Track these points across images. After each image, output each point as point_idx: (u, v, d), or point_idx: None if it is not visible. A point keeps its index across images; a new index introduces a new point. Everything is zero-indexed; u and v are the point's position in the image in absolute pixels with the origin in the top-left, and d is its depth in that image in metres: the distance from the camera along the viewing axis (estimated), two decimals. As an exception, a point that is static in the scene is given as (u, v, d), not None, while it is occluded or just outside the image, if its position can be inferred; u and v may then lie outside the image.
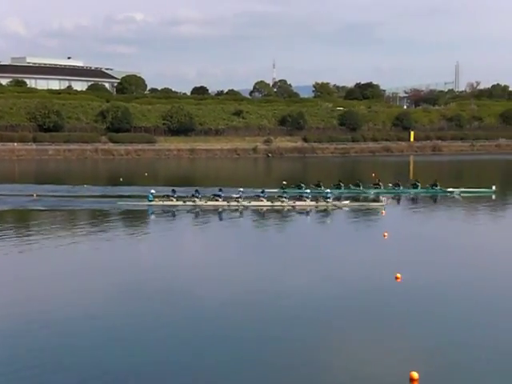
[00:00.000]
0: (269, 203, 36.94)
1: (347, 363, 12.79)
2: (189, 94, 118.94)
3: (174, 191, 37.57)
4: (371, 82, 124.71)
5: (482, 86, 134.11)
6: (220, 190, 37.86)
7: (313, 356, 13.08)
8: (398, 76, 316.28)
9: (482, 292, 17.81)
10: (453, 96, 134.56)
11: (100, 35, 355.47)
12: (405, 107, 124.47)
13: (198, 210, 35.70)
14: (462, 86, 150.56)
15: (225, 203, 36.60)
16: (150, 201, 36.48)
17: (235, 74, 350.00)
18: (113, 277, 19.88)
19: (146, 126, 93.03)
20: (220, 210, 35.89)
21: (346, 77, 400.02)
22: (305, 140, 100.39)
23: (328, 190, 38.85)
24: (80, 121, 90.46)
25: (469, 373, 12.20)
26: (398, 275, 19.08)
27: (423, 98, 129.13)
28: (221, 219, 33.83)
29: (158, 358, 12.82)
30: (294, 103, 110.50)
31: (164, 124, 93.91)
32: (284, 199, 37.30)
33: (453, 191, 43.81)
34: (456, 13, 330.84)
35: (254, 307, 16.55)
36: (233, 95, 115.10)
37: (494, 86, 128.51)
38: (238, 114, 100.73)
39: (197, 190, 37.66)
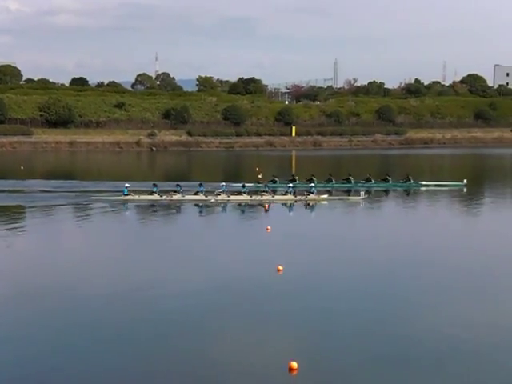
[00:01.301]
0: (248, 197, 36.75)
1: (226, 355, 12.79)
2: (67, 85, 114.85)
3: (155, 185, 37.16)
4: (254, 77, 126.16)
5: (359, 83, 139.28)
6: (200, 185, 37.49)
7: (192, 349, 12.98)
8: (279, 71, 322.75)
9: (360, 284, 18.37)
10: (332, 92, 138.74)
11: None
12: (286, 102, 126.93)
13: (178, 204, 35.33)
14: (340, 83, 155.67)
15: (204, 197, 36.45)
16: (126, 195, 36.00)
17: (116, 66, 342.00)
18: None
19: (21, 117, 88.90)
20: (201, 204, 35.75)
21: (230, 71, 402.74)
22: (189, 134, 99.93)
23: (312, 185, 38.88)
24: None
25: (346, 360, 12.53)
26: (280, 267, 19.36)
27: (304, 94, 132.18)
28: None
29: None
30: (178, 96, 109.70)
31: (41, 116, 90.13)
32: (265, 193, 37.41)
33: (427, 184, 44.34)
34: (334, 11, 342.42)
35: (133, 305, 16.22)
36: (114, 87, 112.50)
37: (370, 83, 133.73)
38: (119, 106, 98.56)
39: (178, 185, 37.33)
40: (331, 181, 44.05)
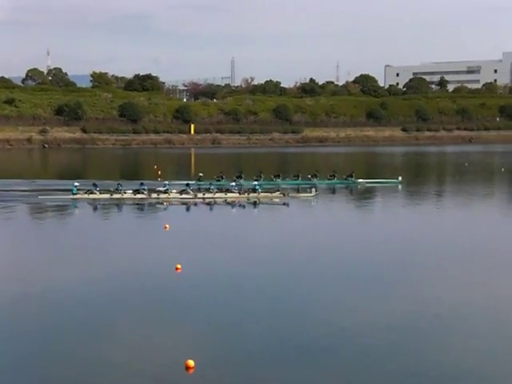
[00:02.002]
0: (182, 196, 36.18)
1: (121, 355, 12.47)
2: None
3: (95, 185, 36.38)
4: (150, 74, 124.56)
5: (256, 82, 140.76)
6: (142, 184, 36.81)
7: (86, 349, 12.57)
8: (177, 69, 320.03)
9: (260, 282, 18.44)
10: (229, 90, 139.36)
11: None
12: (184, 100, 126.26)
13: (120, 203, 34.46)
14: (237, 81, 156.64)
15: (147, 196, 35.86)
16: (74, 194, 35.43)
17: (5, 61, 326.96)
18: None
19: None
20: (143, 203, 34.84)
21: (126, 68, 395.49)
22: (84, 131, 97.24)
23: (255, 183, 38.11)
24: None
25: (243, 358, 12.51)
26: (178, 266, 19.13)
27: (202, 92, 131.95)
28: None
29: None
30: (71, 93, 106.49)
31: None
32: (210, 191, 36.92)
33: (362, 182, 44.30)
34: (231, 8, 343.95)
35: (22, 305, 15.53)
36: (3, 82, 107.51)
37: (267, 82, 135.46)
38: (9, 102, 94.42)
39: (119, 184, 36.65)
40: (279, 178, 43.98)
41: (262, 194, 37.00)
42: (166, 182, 37.22)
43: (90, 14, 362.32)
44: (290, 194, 37.45)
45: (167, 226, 26.46)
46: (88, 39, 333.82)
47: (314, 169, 47.17)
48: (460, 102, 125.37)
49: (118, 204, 34.56)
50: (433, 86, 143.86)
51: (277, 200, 36.15)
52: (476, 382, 11.50)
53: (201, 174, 43.17)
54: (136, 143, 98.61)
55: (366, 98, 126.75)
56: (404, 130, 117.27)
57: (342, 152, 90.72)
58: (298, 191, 40.00)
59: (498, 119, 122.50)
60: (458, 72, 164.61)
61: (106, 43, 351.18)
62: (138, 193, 36.13)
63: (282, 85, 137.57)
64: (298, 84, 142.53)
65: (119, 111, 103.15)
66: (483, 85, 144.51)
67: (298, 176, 44.67)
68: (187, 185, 37.36)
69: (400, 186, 43.14)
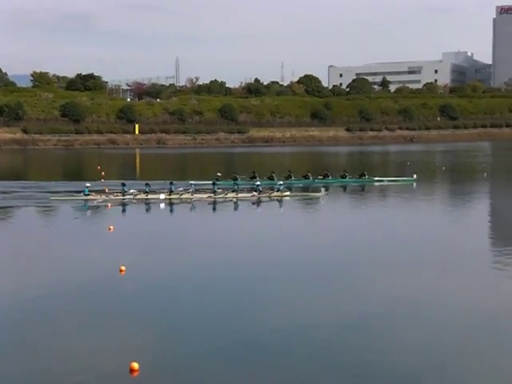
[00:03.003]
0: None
1: (64, 358, 12.11)
2: None
3: (123, 184, 35.85)
4: (93, 74, 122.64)
5: (201, 82, 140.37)
6: (172, 183, 36.19)
7: (27, 354, 12.16)
8: (120, 68, 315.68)
9: (204, 283, 18.27)
10: (174, 90, 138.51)
11: None
12: (128, 100, 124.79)
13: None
14: (182, 81, 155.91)
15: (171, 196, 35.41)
16: (86, 195, 34.94)
17: None
18: None
19: None
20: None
21: (68, 67, 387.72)
22: (25, 131, 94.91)
23: (258, 183, 37.74)
24: None
25: (188, 359, 12.34)
26: (123, 268, 18.77)
27: (146, 92, 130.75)
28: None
29: None
30: (11, 93, 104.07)
31: None
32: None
33: (381, 180, 44.79)
34: (175, 8, 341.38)
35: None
36: None
37: (212, 82, 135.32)
38: None
39: (147, 184, 36.01)
40: (290, 177, 43.89)
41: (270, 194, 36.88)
42: (192, 183, 36.88)
43: (32, 12, 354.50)
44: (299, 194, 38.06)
45: (111, 227, 25.94)
46: (29, 38, 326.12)
47: (261, 168, 47.23)
48: (402, 102, 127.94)
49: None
50: (375, 87, 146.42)
51: (287, 198, 36.31)
52: (421, 376, 11.64)
53: (219, 174, 42.83)
54: (79, 144, 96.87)
55: (311, 99, 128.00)
56: (348, 129, 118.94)
57: (288, 152, 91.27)
58: (307, 191, 40.10)
59: (438, 119, 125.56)
60: (399, 72, 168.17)
61: (48, 43, 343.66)
62: (162, 193, 35.73)
63: (227, 85, 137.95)
64: (243, 84, 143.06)
65: (61, 111, 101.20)
66: (424, 85, 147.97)
67: (306, 176, 44.85)
68: (213, 184, 37.27)
69: (415, 184, 43.54)
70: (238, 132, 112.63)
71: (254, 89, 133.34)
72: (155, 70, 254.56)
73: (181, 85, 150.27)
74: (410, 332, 13.68)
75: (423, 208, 33.96)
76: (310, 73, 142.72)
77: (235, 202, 35.48)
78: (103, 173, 47.01)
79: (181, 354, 12.49)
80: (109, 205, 34.37)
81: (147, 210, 33.78)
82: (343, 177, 45.25)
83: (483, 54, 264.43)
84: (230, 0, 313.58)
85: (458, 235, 25.66)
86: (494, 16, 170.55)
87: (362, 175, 45.28)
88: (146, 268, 19.56)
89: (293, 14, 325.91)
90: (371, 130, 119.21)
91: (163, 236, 25.57)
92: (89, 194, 35.20)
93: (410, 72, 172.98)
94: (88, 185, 35.97)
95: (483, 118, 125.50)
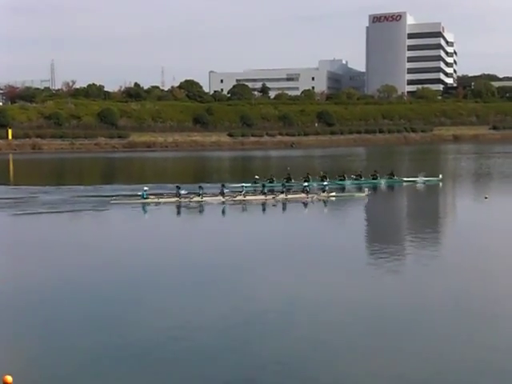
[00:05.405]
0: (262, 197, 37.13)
1: None
2: None
3: (178, 187, 36.45)
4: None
5: (78, 85, 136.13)
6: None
7: None
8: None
9: (84, 289, 17.46)
10: (50, 94, 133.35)
11: None
12: (0, 104, 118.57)
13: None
14: (58, 85, 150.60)
15: (224, 198, 36.24)
16: (144, 198, 35.38)
17: None
18: None
19: None
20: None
21: None
22: None
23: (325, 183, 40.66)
24: None
25: (59, 369, 11.75)
26: None
27: (19, 95, 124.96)
28: None
29: None
30: None
31: None
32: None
33: (416, 179, 46.09)
34: (48, 11, 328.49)
35: None
36: None
37: (90, 86, 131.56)
38: None
39: (200, 187, 37.07)
40: (326, 178, 44.00)
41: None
42: (244, 185, 38.29)
43: None
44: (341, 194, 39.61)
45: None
46: None
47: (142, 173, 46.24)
48: (281, 108, 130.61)
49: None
50: (255, 93, 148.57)
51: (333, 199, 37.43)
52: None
53: (257, 177, 43.88)
54: None
55: (192, 104, 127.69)
56: (230, 135, 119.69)
57: (171, 157, 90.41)
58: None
59: (316, 125, 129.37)
60: (278, 79, 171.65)
61: None
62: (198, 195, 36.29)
63: (105, 89, 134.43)
64: (122, 88, 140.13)
65: None
66: (302, 92, 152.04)
67: (343, 176, 46.09)
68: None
69: (441, 184, 44.97)
70: (119, 137, 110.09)
71: (134, 93, 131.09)
72: (29, 73, 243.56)
73: (57, 88, 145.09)
74: (298, 330, 13.70)
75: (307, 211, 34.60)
76: (191, 78, 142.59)
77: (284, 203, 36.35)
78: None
79: (54, 366, 12.00)
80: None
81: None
82: (374, 178, 46.93)
83: (357, 61, 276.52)
84: (103, 3, 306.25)
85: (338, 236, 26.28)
86: (367, 25, 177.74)
87: (391, 175, 47.10)
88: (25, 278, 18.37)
89: (171, 18, 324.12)
90: (253, 135, 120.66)
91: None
92: (147, 198, 35.58)
93: (289, 79, 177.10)
94: (146, 188, 36.16)
95: (358, 124, 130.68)
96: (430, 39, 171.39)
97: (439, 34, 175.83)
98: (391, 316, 15.06)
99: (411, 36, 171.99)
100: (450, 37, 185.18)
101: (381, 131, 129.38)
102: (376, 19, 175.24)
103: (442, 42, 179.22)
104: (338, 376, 11.68)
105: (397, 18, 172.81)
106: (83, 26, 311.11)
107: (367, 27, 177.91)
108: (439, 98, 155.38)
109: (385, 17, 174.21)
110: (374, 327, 14.16)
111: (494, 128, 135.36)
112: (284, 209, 35.18)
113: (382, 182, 46.09)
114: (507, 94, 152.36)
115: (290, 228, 28.49)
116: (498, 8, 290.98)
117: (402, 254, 22.27)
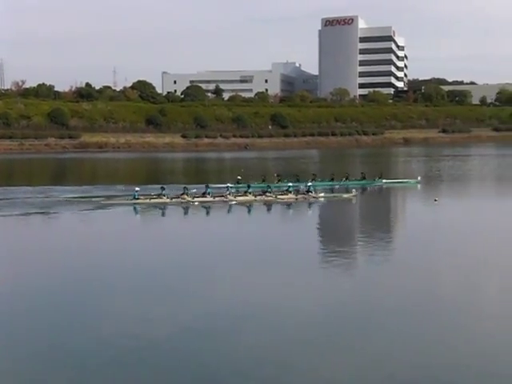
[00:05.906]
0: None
1: None
2: None
3: (163, 188, 36.59)
4: None
5: (27, 85, 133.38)
6: (207, 187, 37.20)
7: None
8: None
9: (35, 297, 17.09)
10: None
11: None
12: None
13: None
14: (7, 85, 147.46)
15: (212, 199, 36.21)
16: (136, 199, 35.47)
17: None
18: None
19: None
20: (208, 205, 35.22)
21: None
22: None
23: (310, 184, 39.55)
24: None
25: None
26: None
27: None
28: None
29: None
30: None
31: None
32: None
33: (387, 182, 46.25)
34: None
35: None
36: None
37: (39, 86, 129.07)
38: None
39: (185, 187, 36.78)
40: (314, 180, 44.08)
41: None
42: (229, 185, 38.23)
43: None
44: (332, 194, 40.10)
45: None
46: None
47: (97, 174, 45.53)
48: (235, 110, 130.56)
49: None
50: (209, 94, 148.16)
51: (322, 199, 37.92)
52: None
53: (239, 177, 44.42)
54: None
55: (145, 105, 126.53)
56: (184, 136, 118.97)
57: (123, 158, 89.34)
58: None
59: (270, 127, 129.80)
60: (232, 81, 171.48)
61: None
62: (204, 195, 36.45)
63: (56, 89, 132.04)
64: (73, 88, 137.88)
65: None
66: (255, 94, 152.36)
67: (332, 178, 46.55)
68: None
69: (419, 186, 45.36)
70: (70, 137, 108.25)
71: (86, 93, 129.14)
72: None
73: (6, 88, 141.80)
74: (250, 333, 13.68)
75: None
76: (144, 79, 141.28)
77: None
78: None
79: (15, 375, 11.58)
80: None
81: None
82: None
83: (310, 64, 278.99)
84: (54, 3, 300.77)
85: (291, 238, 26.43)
86: (320, 28, 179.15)
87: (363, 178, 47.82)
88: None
89: (124, 18, 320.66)
90: (207, 137, 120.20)
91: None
92: (138, 198, 35.64)
93: (242, 81, 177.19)
94: (137, 189, 36.32)
95: (311, 126, 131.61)
96: (381, 43, 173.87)
97: (390, 38, 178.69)
98: (342, 315, 15.20)
99: (363, 40, 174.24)
100: (400, 41, 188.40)
101: (333, 134, 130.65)
102: (328, 23, 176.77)
103: (393, 46, 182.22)
104: (290, 378, 11.67)
105: (349, 21, 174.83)
106: (33, 26, 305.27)
107: (320, 30, 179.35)
108: (390, 101, 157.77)
109: (337, 20, 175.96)
110: (326, 327, 14.25)
111: (444, 131, 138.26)
112: (268, 210, 35.24)
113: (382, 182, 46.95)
114: (456, 98, 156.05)
115: (257, 229, 28.58)
116: (448, 13, 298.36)
117: (355, 255, 22.53)
